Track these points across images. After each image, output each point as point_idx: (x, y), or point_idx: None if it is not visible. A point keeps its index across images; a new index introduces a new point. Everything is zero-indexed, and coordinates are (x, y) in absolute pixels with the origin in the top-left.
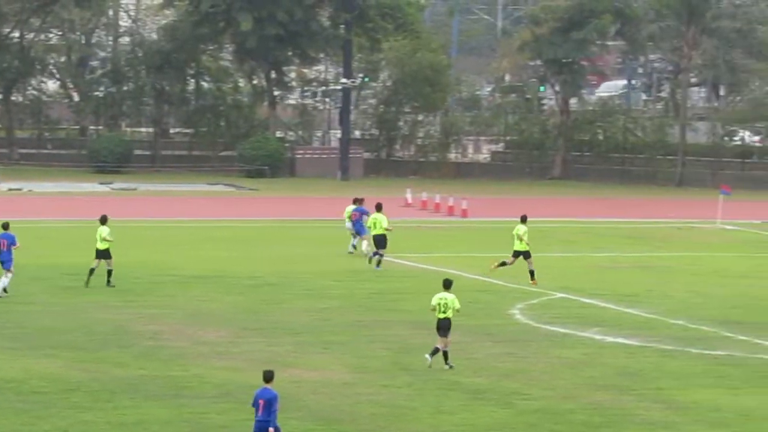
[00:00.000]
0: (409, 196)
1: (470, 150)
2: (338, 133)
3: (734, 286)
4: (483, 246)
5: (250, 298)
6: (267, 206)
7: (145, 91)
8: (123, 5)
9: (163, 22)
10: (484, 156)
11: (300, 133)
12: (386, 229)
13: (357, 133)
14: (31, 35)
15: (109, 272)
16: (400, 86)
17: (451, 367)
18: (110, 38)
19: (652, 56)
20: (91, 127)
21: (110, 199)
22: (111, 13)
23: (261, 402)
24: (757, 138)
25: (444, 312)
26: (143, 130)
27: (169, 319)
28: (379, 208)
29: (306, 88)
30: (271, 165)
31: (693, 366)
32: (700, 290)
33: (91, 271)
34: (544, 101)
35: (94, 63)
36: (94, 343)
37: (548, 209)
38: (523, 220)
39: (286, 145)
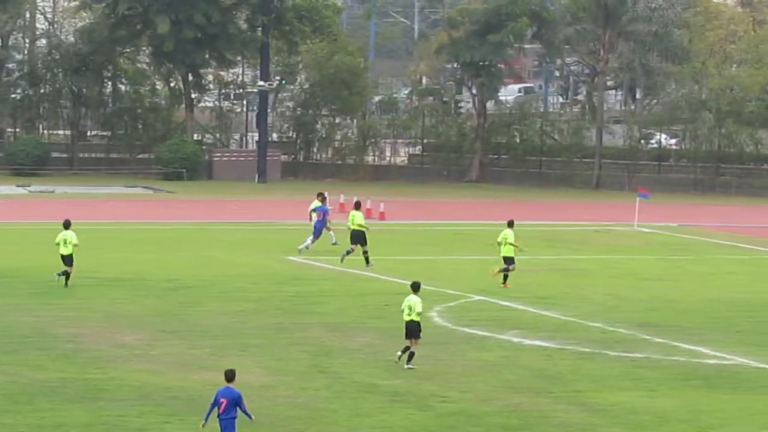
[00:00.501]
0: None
1: (388, 153)
2: (256, 136)
3: (651, 289)
4: (401, 249)
5: (168, 301)
6: (184, 209)
7: (63, 93)
8: (40, 7)
9: (80, 24)
10: (401, 159)
11: (217, 135)
12: (361, 226)
13: (274, 136)
14: None
15: (68, 275)
16: (317, 89)
17: (410, 368)
18: (27, 40)
19: (568, 59)
20: (8, 130)
21: (27, 202)
22: (27, 15)
23: (223, 401)
24: (673, 141)
25: (409, 315)
26: (60, 132)
27: (87, 321)
28: (357, 206)
29: (223, 91)
30: (189, 168)
31: (610, 368)
32: (617, 293)
33: (64, 273)
34: (462, 104)
35: (11, 65)
36: (12, 345)
37: (465, 212)
38: (510, 224)
39: (204, 147)
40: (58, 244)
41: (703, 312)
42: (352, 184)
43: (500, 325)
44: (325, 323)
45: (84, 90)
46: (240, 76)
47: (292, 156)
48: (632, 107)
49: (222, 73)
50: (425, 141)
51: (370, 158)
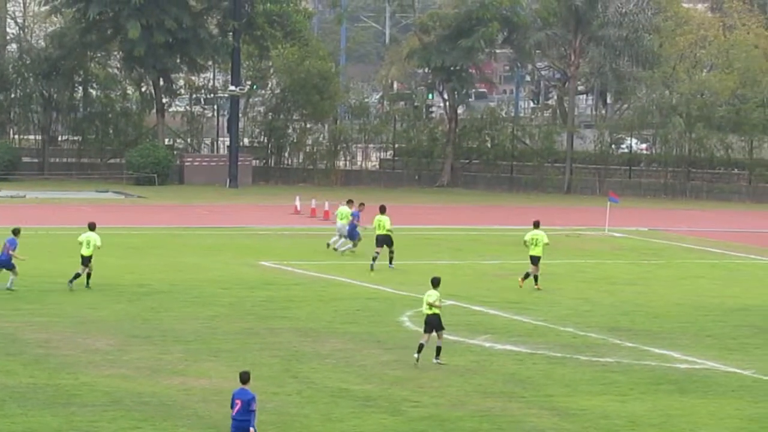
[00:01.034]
0: (297, 203)
1: (359, 158)
2: (227, 141)
3: (622, 294)
4: (372, 253)
5: (138, 306)
6: (155, 214)
7: (33, 98)
8: (10, 12)
9: (51, 29)
10: (372, 164)
11: (188, 140)
12: (389, 230)
13: (246, 141)
14: None
15: (89, 275)
16: (288, 94)
17: (439, 362)
18: None
19: (539, 64)
20: None
21: None
22: None
23: (238, 402)
24: (643, 146)
25: (430, 308)
26: (31, 137)
27: (58, 327)
28: (382, 210)
29: (194, 96)
30: (160, 172)
31: (582, 373)
32: (588, 297)
33: (77, 275)
34: (433, 109)
35: None
36: None
37: (436, 217)
38: (536, 225)
39: (175, 152)
40: (80, 243)
41: (673, 316)
42: (324, 189)
43: (471, 330)
44: (297, 328)
45: (55, 95)
46: (211, 81)
47: (264, 161)
48: (603, 112)
49: (193, 77)
50: (396, 146)
51: (341, 163)
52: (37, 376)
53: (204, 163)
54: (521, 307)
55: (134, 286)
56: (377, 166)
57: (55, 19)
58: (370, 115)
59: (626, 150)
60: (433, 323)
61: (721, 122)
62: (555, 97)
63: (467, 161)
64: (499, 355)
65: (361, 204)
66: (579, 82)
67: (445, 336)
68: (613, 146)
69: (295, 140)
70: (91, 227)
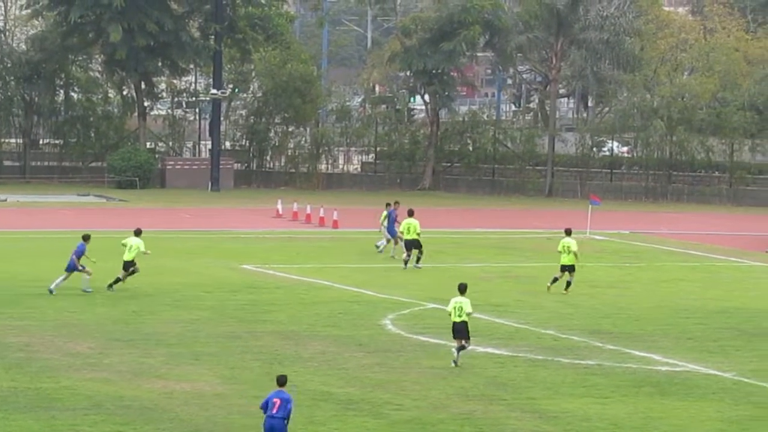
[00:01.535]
0: (279, 207)
1: (341, 161)
2: (209, 144)
3: (603, 296)
4: (354, 257)
5: (120, 310)
6: (137, 217)
7: (14, 101)
8: None
9: (32, 32)
10: (354, 167)
11: (170, 144)
12: (419, 234)
13: (227, 144)
14: None
15: (119, 280)
16: (270, 97)
17: (456, 364)
18: None
19: (521, 67)
20: None
21: None
22: None
23: (276, 401)
24: (625, 149)
25: (459, 316)
26: (12, 141)
27: (38, 330)
28: (411, 213)
29: (176, 99)
30: (141, 176)
31: (563, 376)
32: (569, 300)
33: (118, 280)
34: (414, 112)
35: None
36: None
37: (418, 220)
38: (568, 233)
39: (157, 156)
40: (124, 245)
41: (654, 319)
42: (306, 192)
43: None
44: (279, 331)
45: (36, 98)
46: (193, 85)
47: (245, 164)
48: (584, 115)
49: (175, 81)
50: (378, 149)
51: (323, 166)
52: (18, 380)
53: (186, 167)
54: (503, 310)
55: (116, 290)
56: (359, 170)
57: (37, 22)
58: (351, 119)
59: (607, 153)
60: (462, 331)
61: (702, 125)
62: (536, 101)
63: (449, 164)
64: (480, 358)
65: (396, 202)
66: (560, 86)
67: (426, 339)
68: (594, 149)
69: (277, 143)
70: (137, 233)
